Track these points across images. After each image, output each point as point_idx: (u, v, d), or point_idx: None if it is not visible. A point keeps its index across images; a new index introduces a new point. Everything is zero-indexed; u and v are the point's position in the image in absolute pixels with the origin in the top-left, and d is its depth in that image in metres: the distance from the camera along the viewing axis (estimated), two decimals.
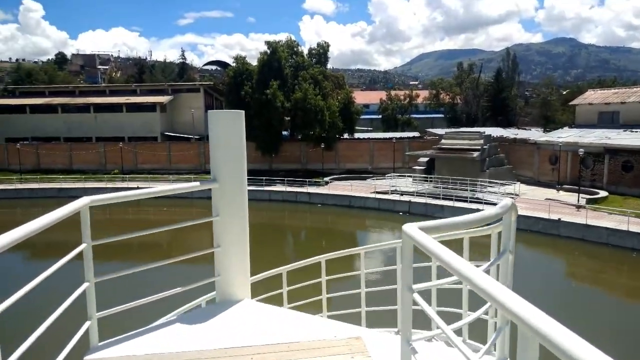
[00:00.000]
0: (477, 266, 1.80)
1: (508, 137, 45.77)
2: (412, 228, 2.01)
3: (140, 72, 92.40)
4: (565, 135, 39.36)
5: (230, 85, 47.58)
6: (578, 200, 30.18)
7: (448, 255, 1.72)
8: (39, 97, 58.80)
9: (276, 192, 40.23)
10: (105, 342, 3.14)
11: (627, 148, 33.10)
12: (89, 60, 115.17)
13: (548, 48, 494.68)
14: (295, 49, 49.78)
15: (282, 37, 62.34)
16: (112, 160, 50.12)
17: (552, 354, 1.13)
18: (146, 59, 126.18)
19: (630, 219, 24.33)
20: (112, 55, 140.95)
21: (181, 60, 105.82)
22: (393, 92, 76.42)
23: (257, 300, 4.16)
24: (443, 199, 32.50)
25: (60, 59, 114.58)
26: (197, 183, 3.80)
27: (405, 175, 40.51)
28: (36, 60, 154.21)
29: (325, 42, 52.41)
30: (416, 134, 56.43)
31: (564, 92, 74.53)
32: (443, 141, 39.96)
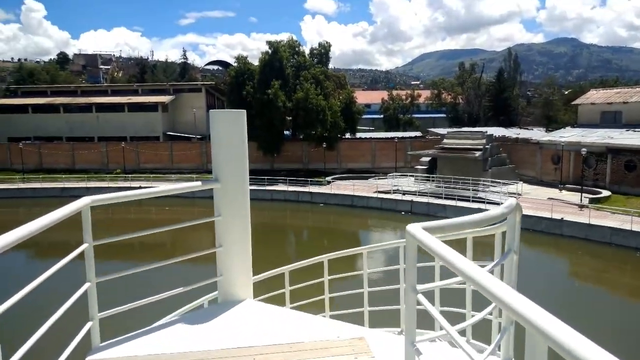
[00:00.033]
0: (482, 266, 1.78)
1: (510, 136, 45.68)
2: (416, 228, 1.99)
3: (142, 72, 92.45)
4: (567, 135, 39.27)
5: (232, 85, 47.59)
6: (581, 200, 30.10)
7: (453, 256, 1.70)
8: (41, 97, 58.91)
9: (278, 191, 40.23)
10: (107, 342, 3.12)
11: (629, 148, 33.00)
12: (90, 60, 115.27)
13: (550, 48, 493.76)
14: (296, 49, 49.76)
15: (283, 37, 62.33)
16: (115, 160, 50.20)
17: (559, 356, 1.11)
18: (148, 58, 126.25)
19: (633, 219, 24.25)
20: (114, 55, 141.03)
21: (183, 60, 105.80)
22: (395, 92, 76.36)
23: (260, 300, 4.14)
24: (445, 198, 32.44)
25: (62, 58, 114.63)
26: (199, 183, 3.79)
27: (407, 175, 40.45)
28: (38, 60, 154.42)
29: (326, 42, 52.40)
30: (418, 133, 56.37)
31: (566, 92, 74.37)
32: (445, 141, 39.90)
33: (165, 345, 3.12)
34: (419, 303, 2.04)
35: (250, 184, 4.03)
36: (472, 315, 3.69)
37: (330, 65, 56.27)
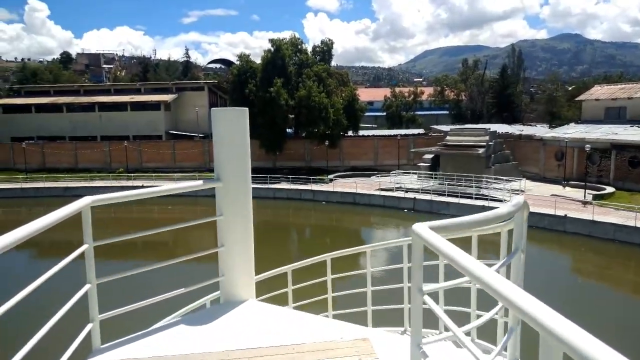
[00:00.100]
0: (488, 265, 1.75)
1: (513, 133, 45.53)
2: (422, 228, 1.96)
3: (145, 70, 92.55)
4: (571, 131, 39.10)
5: (234, 83, 47.56)
6: (584, 197, 29.98)
7: (461, 257, 1.66)
8: (44, 96, 59.01)
9: (280, 189, 40.23)
10: (108, 344, 3.09)
11: (634, 144, 32.83)
12: (93, 60, 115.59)
13: (553, 44, 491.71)
14: (299, 47, 49.67)
15: (286, 34, 62.19)
16: (117, 159, 50.28)
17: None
18: (150, 57, 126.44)
19: (637, 215, 24.13)
20: (116, 54, 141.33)
21: (185, 59, 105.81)
22: (397, 89, 76.11)
23: (262, 300, 4.11)
24: (448, 195, 32.36)
25: (65, 58, 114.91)
26: (201, 182, 3.75)
27: (410, 172, 40.39)
28: (41, 59, 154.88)
29: (329, 40, 52.28)
30: (421, 130, 56.22)
31: (570, 88, 74.00)
32: (448, 138, 39.78)
33: (166, 347, 3.09)
34: (424, 303, 2.01)
35: (253, 183, 4.00)
36: (477, 315, 3.65)
37: (333, 63, 56.15)
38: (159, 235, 3.70)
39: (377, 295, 4.87)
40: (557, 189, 33.87)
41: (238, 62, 49.30)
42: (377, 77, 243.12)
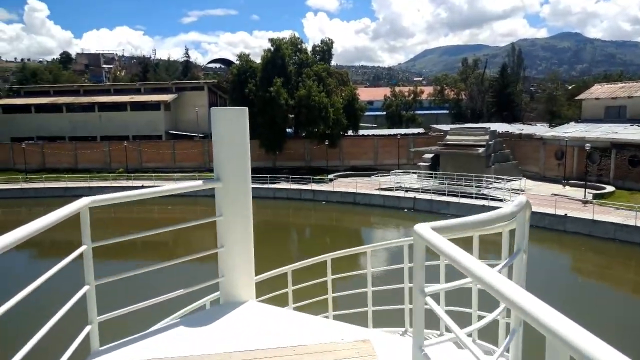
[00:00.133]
0: (491, 266, 1.73)
1: (513, 132, 45.50)
2: (424, 228, 1.93)
3: (145, 70, 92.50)
4: (571, 130, 39.07)
5: (234, 83, 47.53)
6: (584, 196, 29.95)
7: (463, 257, 1.64)
8: (43, 96, 58.98)
9: (280, 189, 40.20)
10: (107, 346, 3.07)
11: (634, 143, 32.79)
12: (93, 60, 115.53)
13: (553, 43, 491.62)
14: (299, 46, 49.64)
15: (285, 34, 62.31)
16: (117, 159, 50.25)
17: None
18: (150, 57, 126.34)
19: (638, 214, 24.11)
20: (116, 54, 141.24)
21: (185, 59, 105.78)
22: (397, 89, 76.06)
23: (262, 300, 4.09)
24: (448, 195, 32.33)
25: (65, 58, 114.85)
26: (200, 182, 3.73)
27: (410, 172, 40.37)
28: (41, 59, 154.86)
29: (329, 39, 52.23)
30: (421, 130, 56.19)
31: (570, 87, 73.98)
32: (448, 137, 39.76)
33: (166, 349, 3.07)
34: (425, 304, 1.99)
35: (253, 182, 3.98)
36: (478, 316, 3.63)
37: (333, 62, 56.12)
38: (158, 235, 3.68)
39: (377, 296, 4.86)
40: (557, 188, 33.85)
41: (238, 62, 49.27)
42: (377, 76, 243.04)
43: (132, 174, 46.26)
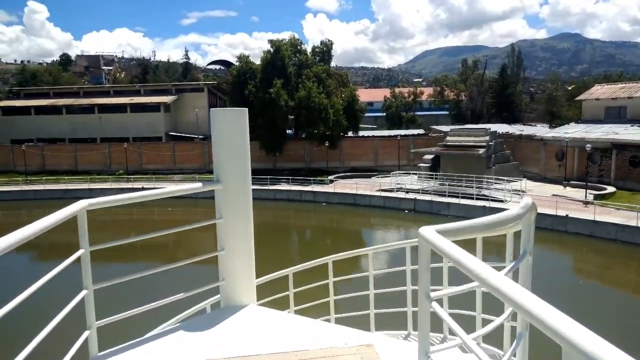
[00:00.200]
0: (495, 268, 1.69)
1: (514, 133, 45.47)
2: (429, 231, 1.89)
3: (144, 72, 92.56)
4: (572, 131, 39.04)
5: (234, 84, 47.51)
6: (585, 196, 29.91)
7: (470, 261, 1.59)
8: (43, 98, 58.99)
9: (281, 191, 40.17)
10: (105, 352, 3.02)
11: (634, 143, 32.76)
12: (93, 61, 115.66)
13: (553, 44, 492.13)
14: (298, 48, 49.65)
15: (285, 35, 61.98)
16: (117, 161, 50.22)
17: None
18: (150, 59, 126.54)
19: (639, 215, 24.06)
20: (116, 55, 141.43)
21: (185, 60, 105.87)
22: (397, 90, 76.07)
23: (263, 303, 4.05)
24: (449, 196, 32.29)
25: (65, 60, 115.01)
26: (199, 184, 3.68)
27: (410, 173, 40.33)
28: (41, 61, 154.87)
29: (328, 40, 52.24)
30: (421, 131, 56.16)
31: (570, 88, 73.97)
32: (448, 138, 39.73)
33: (165, 355, 3.02)
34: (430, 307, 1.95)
35: (253, 184, 3.93)
36: (482, 319, 3.59)
37: (333, 64, 56.13)
38: (158, 237, 3.63)
39: (379, 298, 4.81)
40: (558, 189, 33.81)
41: (237, 63, 49.25)
42: (377, 77, 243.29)
43: (132, 176, 46.22)
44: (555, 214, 26.49)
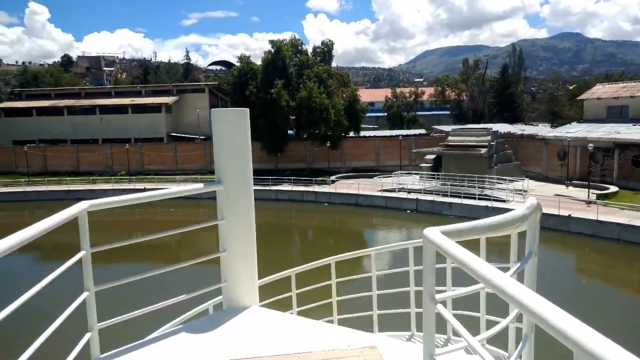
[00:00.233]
0: (501, 269, 1.67)
1: (515, 133, 45.39)
2: (434, 233, 1.87)
3: (145, 73, 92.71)
4: (573, 131, 38.96)
5: (235, 85, 47.53)
6: (588, 196, 29.83)
7: (476, 263, 1.57)
8: (45, 99, 59.09)
9: (282, 191, 40.15)
10: (107, 354, 3.00)
11: (637, 142, 32.66)
12: (94, 62, 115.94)
13: (554, 43, 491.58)
14: (299, 48, 49.63)
15: (286, 36, 62.32)
16: (119, 162, 50.28)
17: None
18: (151, 60, 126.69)
19: None
20: (117, 56, 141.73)
21: (186, 61, 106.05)
22: (398, 90, 76.05)
23: (266, 304, 4.03)
24: (451, 196, 32.24)
25: (66, 61, 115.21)
26: (201, 185, 3.65)
27: (412, 173, 40.28)
28: (42, 63, 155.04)
29: (329, 41, 52.20)
30: (422, 131, 56.13)
31: (571, 87, 73.86)
32: (450, 138, 39.67)
33: (167, 357, 3.00)
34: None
35: (254, 185, 3.90)
36: (486, 320, 3.57)
37: (333, 64, 56.08)
38: (160, 237, 3.62)
39: (381, 298, 4.79)
40: (560, 188, 33.73)
41: (238, 64, 49.26)
42: (378, 77, 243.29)
43: (134, 177, 46.27)
44: (557, 213, 26.42)
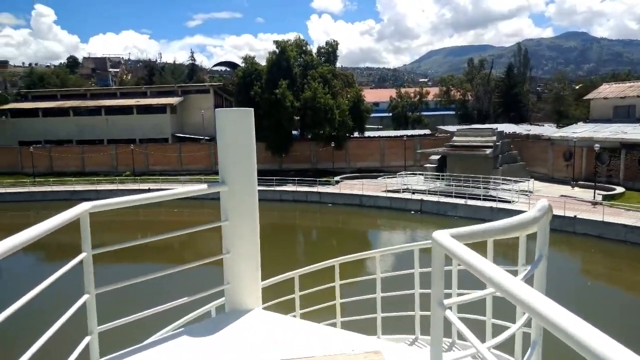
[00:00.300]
0: (511, 272, 1.62)
1: (521, 133, 45.17)
2: (443, 236, 1.82)
3: (150, 74, 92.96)
4: (579, 131, 38.71)
5: (240, 85, 47.59)
6: (594, 197, 29.63)
7: (486, 267, 1.52)
8: (51, 100, 59.41)
9: (287, 192, 40.14)
10: (107, 357, 2.96)
11: None
12: (100, 64, 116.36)
13: (559, 43, 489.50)
14: (304, 48, 49.60)
15: (290, 36, 62.23)
16: (124, 162, 50.45)
17: None
18: (156, 61, 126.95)
19: None
20: (122, 58, 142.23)
21: (190, 62, 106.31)
22: (403, 90, 75.86)
23: (269, 306, 3.98)
24: (456, 197, 32.12)
25: (72, 62, 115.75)
26: (205, 186, 3.61)
27: (416, 174, 40.16)
28: (48, 64, 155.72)
29: (333, 41, 52.13)
30: (427, 131, 55.96)
31: (577, 87, 73.43)
32: (455, 138, 39.53)
33: None
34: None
35: (259, 185, 3.86)
36: (493, 324, 3.52)
37: (338, 64, 56.04)
38: (162, 238, 3.58)
39: (385, 301, 4.74)
40: (565, 189, 33.52)
41: (243, 65, 49.34)
42: (382, 77, 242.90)
43: (138, 177, 46.41)
44: (563, 214, 26.23)
